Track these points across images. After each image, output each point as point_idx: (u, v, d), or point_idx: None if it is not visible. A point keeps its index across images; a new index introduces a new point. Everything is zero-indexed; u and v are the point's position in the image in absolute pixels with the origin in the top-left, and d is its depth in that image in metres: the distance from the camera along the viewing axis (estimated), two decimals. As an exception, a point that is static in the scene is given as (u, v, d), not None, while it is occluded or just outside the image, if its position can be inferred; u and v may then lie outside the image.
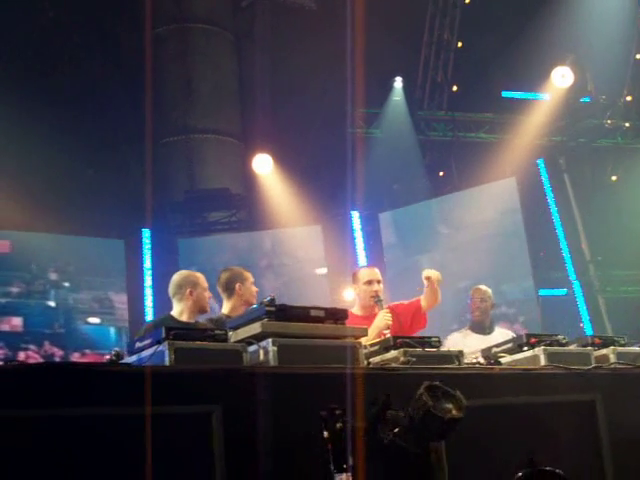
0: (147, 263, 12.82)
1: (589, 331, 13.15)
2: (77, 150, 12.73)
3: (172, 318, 5.96)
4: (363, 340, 4.74)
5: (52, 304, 12.39)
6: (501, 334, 7.57)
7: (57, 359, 11.64)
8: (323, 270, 13.51)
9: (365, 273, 6.57)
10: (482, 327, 7.78)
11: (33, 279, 12.29)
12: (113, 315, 12.67)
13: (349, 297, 10.93)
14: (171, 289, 6.10)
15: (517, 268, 13.01)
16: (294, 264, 13.57)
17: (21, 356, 11.51)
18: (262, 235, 13.78)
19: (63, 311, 12.39)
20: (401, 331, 6.06)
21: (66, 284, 12.51)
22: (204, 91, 15.20)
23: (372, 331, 5.83)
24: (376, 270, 6.70)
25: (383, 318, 6.09)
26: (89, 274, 12.61)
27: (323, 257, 13.50)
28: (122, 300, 12.66)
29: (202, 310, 6.13)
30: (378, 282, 6.45)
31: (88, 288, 12.57)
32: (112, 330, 12.65)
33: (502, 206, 13.21)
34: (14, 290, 12.12)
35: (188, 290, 6.02)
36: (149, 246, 12.90)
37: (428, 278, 6.28)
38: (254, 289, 6.44)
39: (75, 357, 11.94)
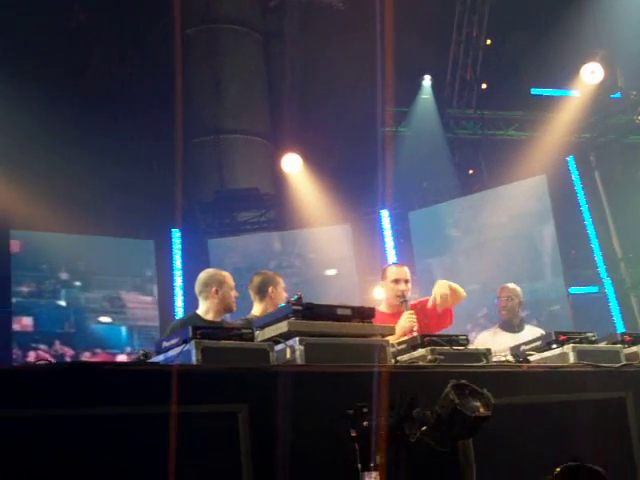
0: (177, 263, 12.89)
1: (620, 329, 13.06)
2: (107, 150, 12.81)
3: (198, 317, 5.99)
4: (390, 338, 4.74)
5: (63, 303, 12.43)
6: (531, 332, 7.53)
7: (68, 359, 11.61)
8: (332, 271, 13.49)
9: (393, 271, 6.53)
10: (511, 325, 7.74)
11: (44, 278, 12.34)
12: (124, 314, 12.71)
13: (379, 295, 10.93)
14: (197, 287, 6.12)
15: (548, 266, 12.95)
16: (303, 266, 13.60)
17: (31, 356, 11.57)
18: (293, 234, 13.80)
19: (74, 310, 12.43)
20: (427, 328, 6.04)
21: (77, 283, 12.54)
22: (233, 91, 15.26)
23: (397, 331, 5.83)
24: (405, 269, 6.65)
25: (407, 319, 6.04)
26: (100, 273, 12.65)
27: (338, 258, 13.51)
28: (133, 299, 12.69)
29: (228, 309, 6.14)
30: (406, 282, 6.39)
31: (99, 287, 12.61)
32: (123, 329, 12.69)
33: (532, 204, 13.16)
34: (24, 290, 12.18)
35: (214, 288, 6.03)
36: (179, 246, 12.97)
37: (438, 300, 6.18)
38: (285, 294, 6.46)
39: (86, 356, 11.94)
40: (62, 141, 11.82)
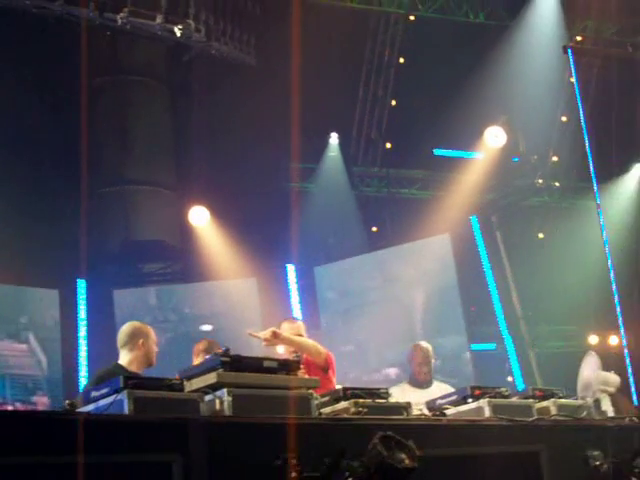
0: (82, 313, 12.71)
1: (520, 385, 13.38)
2: (11, 198, 12.60)
3: (122, 367, 5.95)
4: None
5: None
6: (439, 388, 7.70)
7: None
8: (208, 327, 13.50)
9: (285, 327, 6.68)
10: (420, 382, 7.91)
11: None
12: None
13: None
14: (123, 338, 6.09)
15: (451, 323, 13.23)
16: (178, 320, 13.58)
17: None
18: (198, 287, 13.78)
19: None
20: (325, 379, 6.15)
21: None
22: (140, 142, 15.18)
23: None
24: (299, 324, 6.86)
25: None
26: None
27: (213, 313, 13.55)
28: (6, 347, 12.29)
29: (150, 362, 6.14)
30: (298, 336, 6.56)
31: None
32: None
33: (436, 262, 13.44)
34: None
35: (141, 341, 6.04)
36: (84, 296, 12.80)
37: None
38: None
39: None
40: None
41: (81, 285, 12.87)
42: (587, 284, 13.38)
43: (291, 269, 14.13)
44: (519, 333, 14.80)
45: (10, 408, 11.53)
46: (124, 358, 6.06)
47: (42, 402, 12.09)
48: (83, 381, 12.15)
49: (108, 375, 5.51)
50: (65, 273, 12.72)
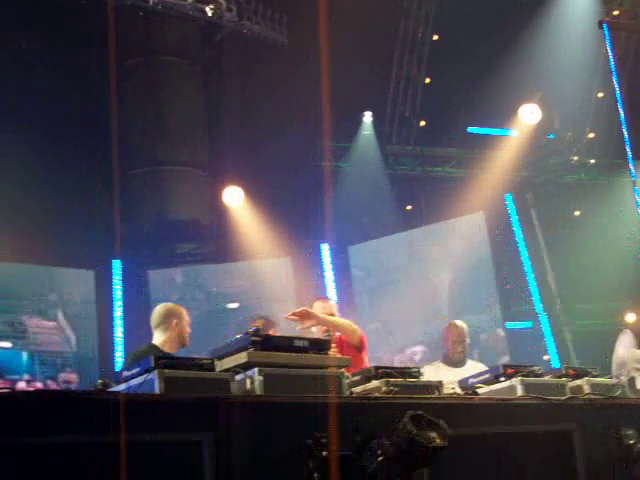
0: (117, 294, 12.81)
1: (555, 363, 13.30)
2: (46, 180, 12.70)
3: (156, 348, 6.01)
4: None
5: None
6: (473, 366, 7.67)
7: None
8: (235, 305, 13.54)
9: (317, 306, 6.70)
10: (454, 361, 7.87)
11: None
12: (26, 340, 12.34)
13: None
14: (157, 319, 6.17)
15: (484, 301, 13.18)
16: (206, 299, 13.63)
17: None
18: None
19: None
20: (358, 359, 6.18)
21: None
22: (173, 123, 15.21)
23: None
24: (330, 303, 6.89)
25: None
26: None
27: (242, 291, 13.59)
28: (35, 324, 12.42)
29: (183, 343, 6.22)
30: (330, 315, 6.56)
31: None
32: (24, 355, 12.28)
33: (470, 240, 13.39)
34: None
35: (175, 321, 6.12)
36: (119, 277, 12.89)
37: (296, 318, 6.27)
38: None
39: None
40: (2, 169, 11.71)
41: (116, 265, 12.96)
42: (624, 262, 13.28)
43: (325, 248, 14.13)
44: (554, 311, 14.71)
45: (39, 385, 11.68)
46: (158, 338, 6.13)
47: (70, 379, 12.21)
48: (119, 361, 12.28)
49: (142, 355, 5.57)
50: (100, 254, 12.81)
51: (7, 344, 12.21)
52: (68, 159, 13.59)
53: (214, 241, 14.52)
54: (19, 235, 11.49)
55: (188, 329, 6.26)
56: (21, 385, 11.58)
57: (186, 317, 6.26)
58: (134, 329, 11.80)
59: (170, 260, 14.08)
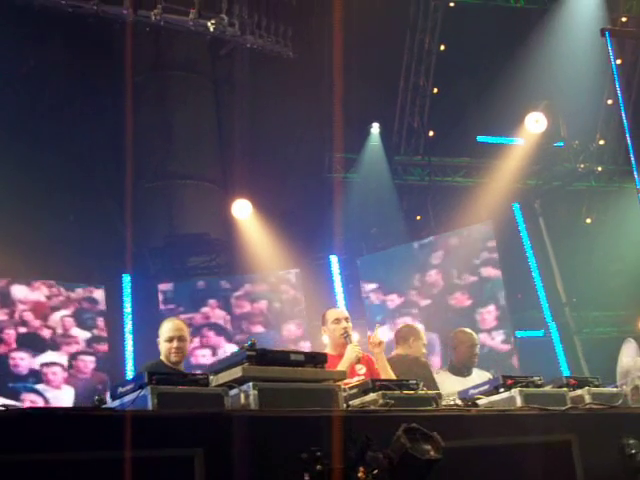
0: (127, 308, 12.85)
1: (565, 372, 13.26)
2: (57, 196, 12.79)
3: (163, 363, 6.05)
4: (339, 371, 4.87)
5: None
6: (479, 376, 7.64)
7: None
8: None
9: (332, 313, 6.72)
10: (461, 369, 7.84)
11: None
12: None
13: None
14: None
15: (494, 310, 13.15)
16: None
17: None
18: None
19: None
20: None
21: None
22: (183, 137, 15.30)
23: (343, 364, 6.00)
24: (343, 309, 6.88)
25: (352, 350, 6.20)
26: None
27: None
28: None
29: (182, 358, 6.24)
30: (346, 319, 6.56)
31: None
32: None
33: (479, 250, 13.37)
34: None
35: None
36: (129, 291, 12.94)
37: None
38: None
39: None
40: (10, 187, 11.78)
41: (126, 279, 13.01)
42: (634, 269, 13.23)
43: (334, 260, 14.14)
44: (564, 320, 14.67)
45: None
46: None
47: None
48: (130, 374, 12.31)
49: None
50: (110, 268, 12.88)
51: None
52: (79, 175, 13.68)
53: (224, 254, 14.56)
54: (28, 255, 11.54)
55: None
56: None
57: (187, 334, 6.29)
58: (145, 343, 11.83)
59: (180, 273, 14.13)
